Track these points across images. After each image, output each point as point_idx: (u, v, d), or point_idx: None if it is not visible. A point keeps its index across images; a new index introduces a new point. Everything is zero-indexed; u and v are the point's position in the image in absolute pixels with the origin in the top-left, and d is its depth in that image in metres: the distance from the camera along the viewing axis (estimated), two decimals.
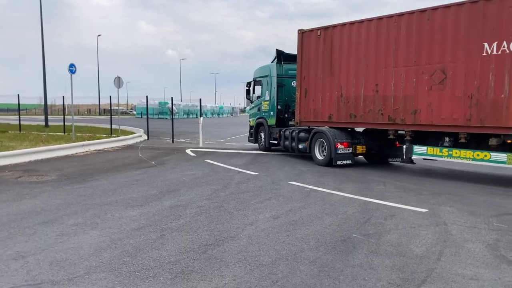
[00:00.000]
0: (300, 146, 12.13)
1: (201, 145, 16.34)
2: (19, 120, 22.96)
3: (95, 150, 14.41)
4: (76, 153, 13.40)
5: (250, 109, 15.88)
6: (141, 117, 49.94)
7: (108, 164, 11.05)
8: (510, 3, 7.81)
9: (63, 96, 21.27)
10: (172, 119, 19.79)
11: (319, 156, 11.34)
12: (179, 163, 11.27)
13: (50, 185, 7.97)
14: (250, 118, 15.79)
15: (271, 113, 13.88)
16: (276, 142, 13.68)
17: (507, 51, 7.85)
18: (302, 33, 12.00)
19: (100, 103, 67.40)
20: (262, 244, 4.62)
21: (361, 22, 10.46)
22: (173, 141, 17.92)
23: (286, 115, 13.55)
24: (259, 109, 14.81)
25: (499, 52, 7.98)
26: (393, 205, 6.53)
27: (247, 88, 15.38)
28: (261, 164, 11.34)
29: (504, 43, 7.88)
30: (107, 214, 5.86)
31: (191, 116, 57.35)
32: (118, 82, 20.96)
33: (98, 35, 65.31)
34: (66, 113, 28.14)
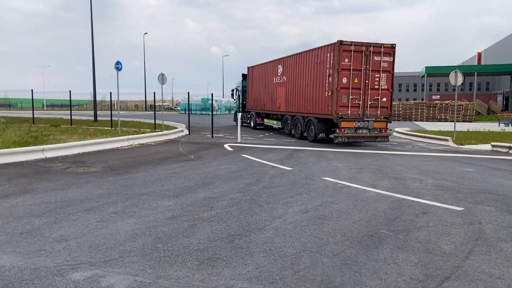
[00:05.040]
0: (248, 121, 25.50)
1: (239, 140, 16.63)
2: (71, 115, 24.35)
3: (139, 144, 15.06)
4: (121, 147, 14.07)
5: (233, 104, 31.51)
6: (185, 112, 51.27)
7: (149, 157, 11.54)
8: (275, 64, 20.34)
9: (110, 92, 22.33)
10: (212, 114, 20.21)
11: (252, 125, 24.67)
12: (216, 157, 11.57)
13: (95, 176, 8.49)
14: (234, 109, 30.86)
15: (240, 105, 26.90)
16: (241, 120, 23.03)
17: (276, 82, 20.28)
18: (248, 67, 24.83)
19: (146, 99, 69.76)
20: (288, 236, 4.73)
21: (261, 64, 22.72)
22: (212, 136, 18.35)
23: (245, 107, 26.08)
24: (235, 104, 28.81)
25: (275, 82, 20.40)
26: (427, 203, 6.40)
27: (232, 92, 29.01)
28: (297, 159, 11.40)
29: (275, 78, 20.28)
30: (144, 204, 6.18)
31: (232, 112, 58.17)
32: (162, 78, 21.66)
33: (145, 33, 67.50)
34: (114, 108, 29.48)
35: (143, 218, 5.44)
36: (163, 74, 21.49)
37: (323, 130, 16.24)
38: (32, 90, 24.45)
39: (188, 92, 21.94)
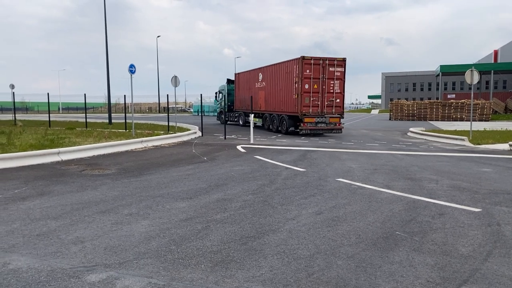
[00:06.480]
0: (236, 120, 29.02)
1: (251, 141, 16.62)
2: (86, 118, 24.67)
3: (153, 146, 15.18)
4: (135, 149, 14.20)
5: (217, 105, 33.87)
6: (198, 114, 51.55)
7: (163, 159, 11.61)
8: (257, 72, 24.56)
9: (125, 95, 22.57)
10: (225, 116, 20.27)
11: (241, 123, 27.92)
12: (229, 159, 11.58)
13: (109, 178, 8.57)
14: (216, 109, 34.82)
15: (225, 106, 26.90)
16: (227, 119, 29.16)
17: (257, 86, 24.52)
18: (235, 74, 29.07)
19: (160, 102, 70.32)
20: (302, 238, 4.70)
21: (246, 71, 26.69)
22: (225, 138, 18.39)
23: (231, 107, 29.71)
24: (220, 105, 31.91)
25: (256, 86, 24.59)
26: (443, 204, 6.30)
27: (215, 95, 32.71)
28: (310, 160, 11.34)
29: (257, 83, 24.52)
30: (158, 206, 6.22)
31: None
32: (175, 81, 21.79)
33: (158, 36, 68.07)
34: (128, 111, 29.78)
35: (157, 220, 5.47)
36: (176, 76, 21.62)
37: (292, 125, 20.44)
38: (48, 93, 24.86)
39: (201, 94, 22.06)
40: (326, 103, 19.69)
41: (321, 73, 19.42)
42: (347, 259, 4.09)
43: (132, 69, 18.06)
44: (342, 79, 19.93)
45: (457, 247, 4.41)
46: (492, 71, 51.67)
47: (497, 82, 67.49)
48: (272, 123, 22.93)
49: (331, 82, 19.66)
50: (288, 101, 20.49)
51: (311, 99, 19.40)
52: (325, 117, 19.75)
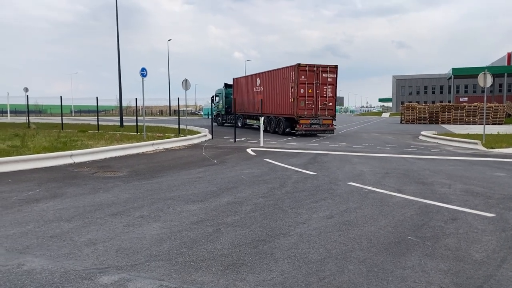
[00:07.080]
0: (234, 122, 25.55)
1: (261, 144, 16.63)
2: (97, 120, 24.93)
3: (164, 148, 15.27)
4: (147, 151, 14.30)
5: (214, 108, 33.41)
6: (208, 117, 51.72)
7: (174, 162, 11.68)
8: (255, 77, 26.47)
9: (136, 98, 22.73)
10: (235, 119, 20.34)
11: (239, 124, 28.33)
12: (239, 162, 11.60)
13: (121, 181, 8.65)
14: (214, 111, 33.73)
15: (223, 109, 32.32)
16: (224, 121, 32.59)
17: (255, 90, 26.35)
18: (233, 79, 30.32)
19: (171, 105, 70.78)
20: (313, 242, 4.68)
21: (244, 76, 29.25)
22: (235, 141, 18.42)
23: (228, 110, 31.62)
24: (217, 107, 33.50)
25: (254, 91, 26.44)
26: (456, 209, 6.22)
27: (212, 98, 31.28)
28: (320, 164, 11.30)
29: (255, 88, 26.42)
30: (169, 208, 6.25)
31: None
32: (186, 84, 21.93)
33: (169, 40, 68.54)
34: (139, 114, 30.03)
35: (168, 222, 5.50)
36: (186, 79, 21.76)
37: (288, 126, 22.42)
38: (61, 97, 25.19)
39: (212, 97, 22.16)
40: (319, 106, 21.53)
41: (315, 79, 21.21)
42: (358, 263, 4.06)
43: (143, 73, 18.21)
44: (334, 84, 21.70)
45: (470, 253, 4.35)
46: (506, 74, 50.99)
47: (510, 85, 66.48)
48: (269, 125, 24.44)
49: (324, 87, 21.48)
50: (285, 104, 22.26)
51: (306, 102, 21.23)
52: (318, 119, 21.63)
